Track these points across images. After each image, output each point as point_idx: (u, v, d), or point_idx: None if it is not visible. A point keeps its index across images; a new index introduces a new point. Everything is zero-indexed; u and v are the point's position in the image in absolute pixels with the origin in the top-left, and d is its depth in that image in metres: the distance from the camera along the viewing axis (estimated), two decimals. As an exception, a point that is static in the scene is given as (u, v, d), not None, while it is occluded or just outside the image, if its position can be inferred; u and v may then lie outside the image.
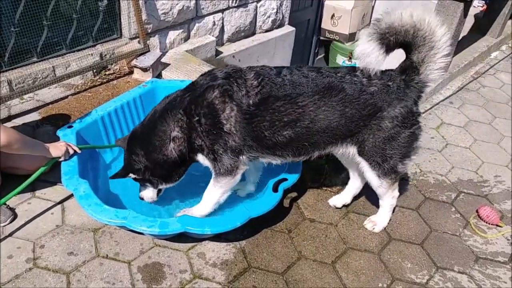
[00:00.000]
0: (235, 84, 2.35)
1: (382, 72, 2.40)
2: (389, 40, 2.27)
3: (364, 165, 2.57)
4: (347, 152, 2.56)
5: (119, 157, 3.11)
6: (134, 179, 2.64)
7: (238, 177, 2.54)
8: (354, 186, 2.95)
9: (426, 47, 2.31)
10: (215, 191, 2.55)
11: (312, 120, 2.37)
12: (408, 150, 2.51)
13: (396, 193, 2.78)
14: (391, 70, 2.45)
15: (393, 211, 2.98)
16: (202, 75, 2.52)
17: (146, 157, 2.51)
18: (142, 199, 2.72)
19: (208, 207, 2.57)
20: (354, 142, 2.50)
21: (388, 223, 2.90)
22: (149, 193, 2.70)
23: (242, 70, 2.44)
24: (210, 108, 2.34)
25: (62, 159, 2.67)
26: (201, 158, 2.52)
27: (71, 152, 2.71)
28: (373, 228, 2.85)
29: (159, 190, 2.73)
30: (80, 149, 2.76)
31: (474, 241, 2.90)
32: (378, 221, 2.86)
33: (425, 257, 2.73)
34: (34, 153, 2.59)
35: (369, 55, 2.29)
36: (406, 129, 2.44)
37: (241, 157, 2.46)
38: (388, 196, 2.74)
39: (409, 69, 2.40)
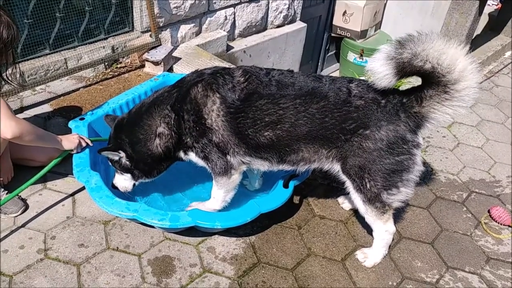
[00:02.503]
0: (222, 78, 2.31)
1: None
2: (407, 70, 2.08)
3: (349, 185, 2.40)
4: (332, 168, 2.42)
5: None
6: (113, 163, 2.55)
7: (236, 177, 2.48)
8: None
9: (440, 89, 2.12)
10: (217, 191, 2.54)
11: (293, 124, 2.27)
12: (394, 180, 2.28)
13: (391, 227, 2.49)
14: (396, 88, 2.23)
15: (404, 211, 2.97)
16: (191, 73, 2.48)
17: (130, 147, 2.47)
18: (115, 187, 2.64)
19: (216, 205, 2.57)
20: (338, 158, 2.34)
21: (399, 222, 2.88)
22: (125, 183, 2.62)
23: (230, 68, 2.40)
24: (193, 104, 2.31)
25: (74, 151, 2.68)
26: (193, 157, 2.48)
27: (84, 144, 2.71)
28: (364, 261, 2.59)
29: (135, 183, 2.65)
30: (91, 141, 2.77)
31: (486, 242, 2.88)
32: (370, 254, 2.59)
33: (436, 257, 2.71)
34: (46, 145, 2.60)
35: (380, 79, 2.12)
36: (391, 156, 2.22)
37: (229, 158, 2.39)
38: (379, 228, 2.49)
39: (414, 93, 2.21)
